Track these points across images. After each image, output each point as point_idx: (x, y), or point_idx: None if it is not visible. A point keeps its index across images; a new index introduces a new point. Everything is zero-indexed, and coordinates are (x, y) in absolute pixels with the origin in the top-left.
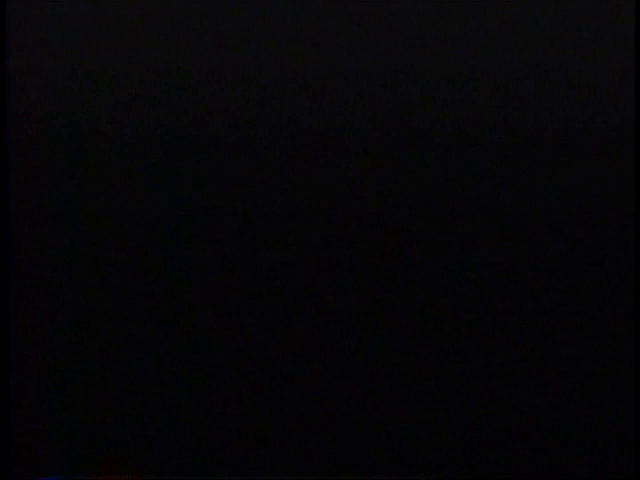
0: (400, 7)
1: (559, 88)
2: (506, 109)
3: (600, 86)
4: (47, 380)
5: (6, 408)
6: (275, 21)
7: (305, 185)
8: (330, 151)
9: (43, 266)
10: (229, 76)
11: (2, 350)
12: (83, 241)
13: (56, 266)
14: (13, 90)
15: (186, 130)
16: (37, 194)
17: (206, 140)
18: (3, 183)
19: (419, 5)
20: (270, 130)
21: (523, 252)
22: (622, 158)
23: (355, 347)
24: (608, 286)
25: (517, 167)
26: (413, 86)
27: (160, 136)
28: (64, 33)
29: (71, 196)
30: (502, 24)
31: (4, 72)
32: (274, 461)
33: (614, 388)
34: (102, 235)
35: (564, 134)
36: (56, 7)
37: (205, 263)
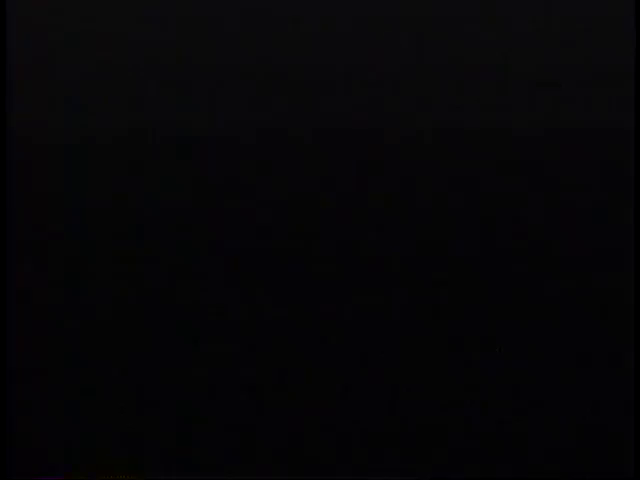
0: (399, 7)
1: (559, 88)
2: (505, 108)
3: (600, 86)
4: (47, 379)
5: (6, 408)
6: (277, 19)
7: (305, 185)
8: (331, 151)
9: (43, 265)
10: (235, 74)
11: (2, 350)
12: (83, 239)
13: (56, 266)
14: (13, 87)
15: (189, 128)
16: (37, 193)
17: (209, 139)
18: (3, 183)
19: (418, 5)
20: (268, 129)
21: (522, 255)
22: (622, 158)
23: (354, 347)
24: (608, 288)
25: (516, 167)
26: (412, 86)
27: (163, 134)
28: (65, 29)
29: (71, 195)
30: (502, 24)
31: (4, 68)
32: (274, 461)
33: (614, 388)
34: (102, 233)
35: (564, 134)
36: (57, 4)
37: (206, 264)
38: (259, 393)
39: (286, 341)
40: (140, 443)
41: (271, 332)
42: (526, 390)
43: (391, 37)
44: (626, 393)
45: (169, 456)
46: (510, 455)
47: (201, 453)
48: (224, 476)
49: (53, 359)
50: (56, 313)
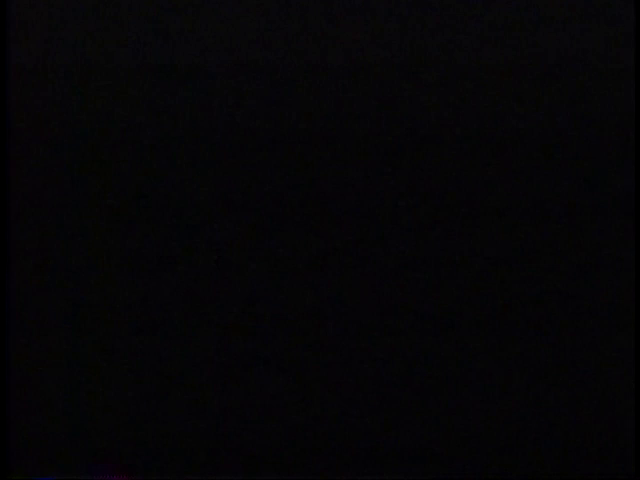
0: (398, 5)
1: (558, 87)
2: (505, 108)
3: (600, 85)
4: (47, 379)
5: (6, 408)
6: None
7: (305, 184)
8: (329, 150)
9: (44, 266)
10: (236, 73)
11: (2, 350)
12: (84, 241)
13: (57, 266)
14: (14, 88)
15: (191, 129)
16: (38, 194)
17: (212, 138)
18: (3, 183)
19: (417, 2)
20: (268, 129)
21: (521, 253)
22: (622, 158)
23: (354, 347)
24: (608, 288)
25: (515, 167)
26: (410, 83)
27: (164, 135)
28: (66, 28)
29: (72, 196)
30: (501, 21)
31: (5, 69)
32: (274, 461)
33: (614, 389)
34: (103, 235)
35: (563, 133)
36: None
37: (207, 263)
38: (260, 393)
39: (286, 337)
40: (140, 443)
41: (271, 329)
42: (525, 389)
43: None
44: (626, 392)
45: (168, 456)
46: (509, 455)
47: (200, 454)
48: (224, 476)
49: (53, 359)
50: (56, 312)
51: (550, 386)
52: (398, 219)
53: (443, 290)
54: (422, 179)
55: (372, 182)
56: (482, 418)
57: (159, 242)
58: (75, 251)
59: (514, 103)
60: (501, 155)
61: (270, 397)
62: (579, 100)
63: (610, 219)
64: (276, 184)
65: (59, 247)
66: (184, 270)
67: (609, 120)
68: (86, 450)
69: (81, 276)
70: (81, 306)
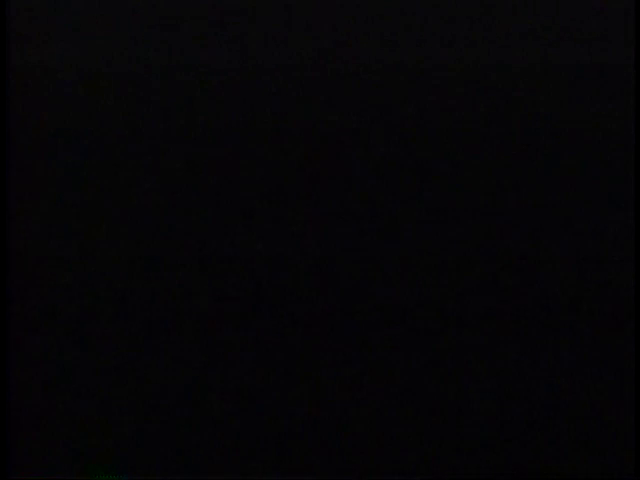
0: (398, 4)
1: (558, 87)
2: (504, 107)
3: (600, 86)
4: (48, 380)
5: (6, 408)
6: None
7: (304, 185)
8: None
9: (44, 266)
10: (236, 74)
11: (2, 350)
12: (84, 243)
13: (57, 267)
14: (14, 88)
15: (191, 130)
16: (37, 195)
17: (211, 140)
18: (3, 183)
19: (417, 2)
20: (266, 130)
21: (522, 252)
22: (622, 158)
23: (354, 347)
24: (608, 288)
25: (514, 167)
26: (410, 82)
27: (165, 136)
28: (67, 30)
29: (72, 197)
30: (500, 21)
31: (5, 70)
32: (273, 461)
33: (614, 389)
34: (103, 237)
35: (563, 133)
36: (58, 4)
37: (208, 264)
38: (257, 394)
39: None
40: (139, 444)
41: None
42: (525, 389)
43: None
44: (626, 392)
45: (168, 457)
46: (509, 455)
47: (199, 454)
48: (224, 476)
49: (53, 359)
50: (56, 313)
51: (550, 386)
52: (398, 222)
53: (445, 289)
54: (422, 179)
55: (371, 182)
56: (482, 418)
57: (160, 243)
58: (75, 252)
59: (514, 104)
60: (501, 155)
61: (271, 397)
62: (579, 101)
63: (610, 220)
64: (277, 184)
65: (59, 249)
66: (184, 270)
67: (609, 121)
68: (86, 451)
69: (81, 277)
70: (81, 306)
